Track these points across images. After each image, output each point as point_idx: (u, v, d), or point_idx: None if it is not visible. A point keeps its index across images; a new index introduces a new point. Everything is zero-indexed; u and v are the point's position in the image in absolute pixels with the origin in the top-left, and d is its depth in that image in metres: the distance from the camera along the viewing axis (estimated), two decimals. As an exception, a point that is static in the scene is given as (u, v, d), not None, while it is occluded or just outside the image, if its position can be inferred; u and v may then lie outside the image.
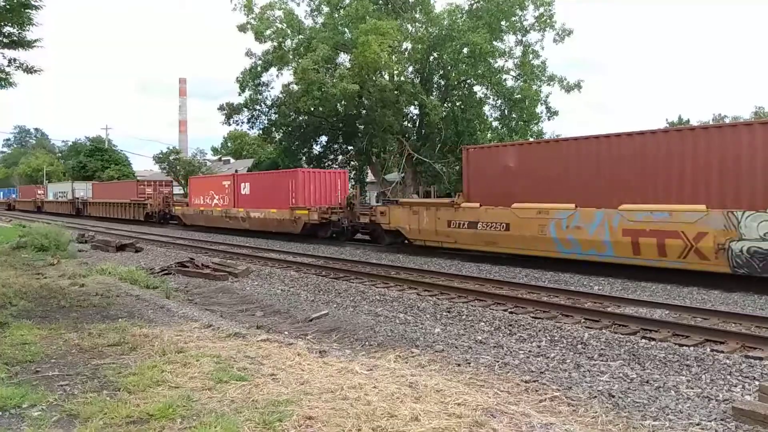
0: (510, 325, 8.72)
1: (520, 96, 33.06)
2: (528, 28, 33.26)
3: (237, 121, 38.53)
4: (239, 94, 36.93)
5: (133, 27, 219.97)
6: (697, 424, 4.79)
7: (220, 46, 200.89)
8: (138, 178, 56.82)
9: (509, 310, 9.83)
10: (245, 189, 27.45)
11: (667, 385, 5.90)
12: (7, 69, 11.25)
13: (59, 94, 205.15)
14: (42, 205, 58.46)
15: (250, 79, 36.02)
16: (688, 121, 52.12)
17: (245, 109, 37.46)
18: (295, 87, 33.71)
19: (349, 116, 35.57)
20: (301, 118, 36.91)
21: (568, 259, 14.12)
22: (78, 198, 49.88)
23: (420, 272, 14.20)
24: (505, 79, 34.21)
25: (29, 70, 11.43)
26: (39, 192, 62.13)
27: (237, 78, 36.28)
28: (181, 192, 55.96)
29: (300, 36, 33.69)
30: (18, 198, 70.33)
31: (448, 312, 9.74)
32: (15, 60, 11.21)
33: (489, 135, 35.38)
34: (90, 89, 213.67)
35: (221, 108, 37.52)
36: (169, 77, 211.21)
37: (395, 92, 32.38)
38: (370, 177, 41.39)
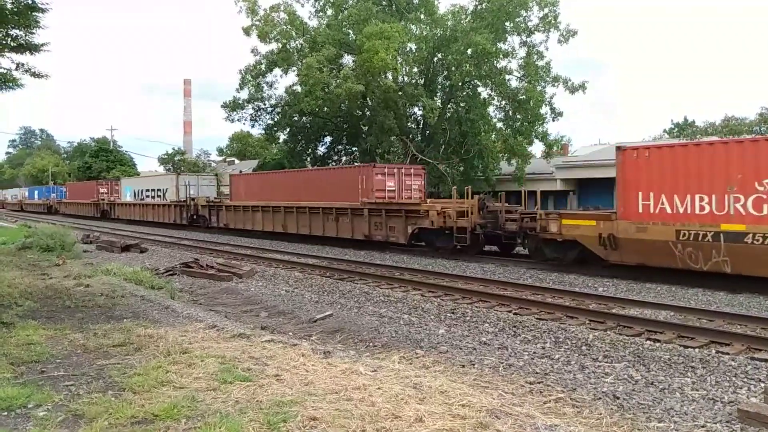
0: (514, 327, 8.71)
1: (524, 97, 33.01)
2: (532, 29, 33.22)
3: (239, 117, 38.61)
4: (238, 90, 37.09)
5: (139, 28, 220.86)
6: (702, 426, 4.77)
7: (225, 47, 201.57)
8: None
9: (513, 311, 9.82)
10: None
11: (672, 387, 5.88)
12: (15, 73, 11.34)
13: (64, 95, 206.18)
14: (111, 210, 43.14)
15: (252, 77, 36.13)
16: (693, 122, 51.98)
17: (248, 105, 37.53)
18: (299, 88, 33.82)
19: (352, 117, 35.62)
20: (304, 119, 37.01)
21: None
22: (194, 199, 32.03)
23: (424, 273, 14.20)
24: (509, 80, 34.18)
25: (37, 75, 11.50)
26: (103, 191, 45.46)
27: (239, 70, 36.43)
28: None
29: (304, 37, 33.79)
30: (65, 199, 53.64)
31: (453, 313, 9.73)
32: (23, 65, 11.29)
33: (493, 136, 35.36)
34: (95, 91, 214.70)
35: (225, 105, 37.64)
36: (174, 79, 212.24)
37: (399, 93, 32.42)
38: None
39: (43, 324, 7.71)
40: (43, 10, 10.51)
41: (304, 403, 4.67)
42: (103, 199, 44.59)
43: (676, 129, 53.62)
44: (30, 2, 10.27)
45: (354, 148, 38.65)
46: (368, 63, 28.52)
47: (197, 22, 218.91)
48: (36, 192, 64.46)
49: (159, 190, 36.83)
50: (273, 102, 37.76)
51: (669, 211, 12.25)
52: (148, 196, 38.31)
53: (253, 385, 5.17)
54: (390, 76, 32.02)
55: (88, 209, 46.74)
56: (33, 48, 11.03)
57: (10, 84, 11.58)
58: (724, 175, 11.50)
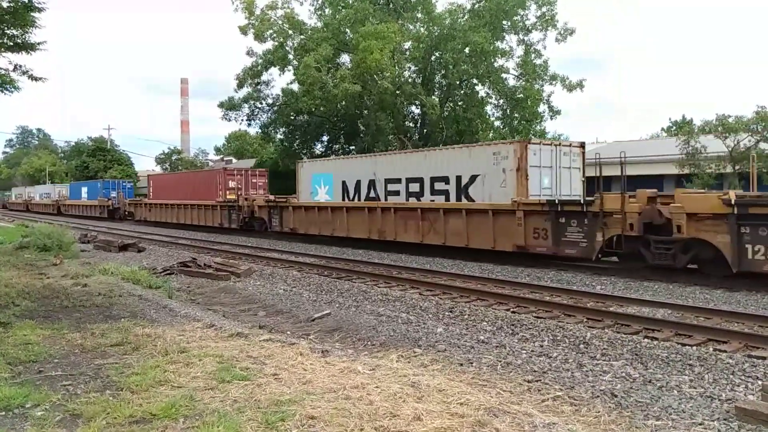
0: (512, 325, 8.71)
1: (522, 95, 33.07)
2: (530, 28, 33.28)
3: (236, 117, 38.62)
4: (235, 91, 37.09)
5: (136, 27, 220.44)
6: (700, 424, 4.78)
7: (223, 45, 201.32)
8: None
9: (511, 309, 9.82)
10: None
11: (670, 385, 5.89)
12: (12, 75, 11.30)
13: (62, 95, 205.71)
14: (274, 217, 24.43)
15: (249, 77, 36.12)
16: (691, 121, 51.94)
17: (245, 105, 37.54)
18: (296, 87, 33.82)
19: (350, 116, 35.64)
20: (301, 118, 37.01)
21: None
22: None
23: (422, 272, 14.19)
24: (506, 79, 34.24)
25: (34, 78, 11.47)
26: (235, 183, 28.86)
27: (237, 75, 36.42)
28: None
29: (301, 36, 33.77)
30: (148, 199, 36.93)
31: (451, 312, 9.74)
32: (20, 66, 11.25)
33: (491, 134, 35.41)
34: (92, 90, 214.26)
35: (221, 105, 37.64)
36: (172, 78, 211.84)
37: (396, 92, 32.42)
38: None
39: (40, 324, 7.70)
40: (39, 10, 10.47)
41: (302, 401, 4.66)
42: (247, 199, 26.18)
43: (674, 127, 53.69)
44: (26, 1, 10.23)
45: (351, 147, 38.67)
46: (363, 63, 28.57)
47: (195, 20, 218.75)
48: (85, 189, 46.73)
49: (441, 179, 18.45)
50: (270, 101, 37.78)
51: None
52: (395, 192, 20.07)
53: (252, 384, 5.17)
54: (388, 76, 32.05)
55: (208, 216, 28.48)
56: (29, 47, 10.99)
57: (8, 86, 11.53)
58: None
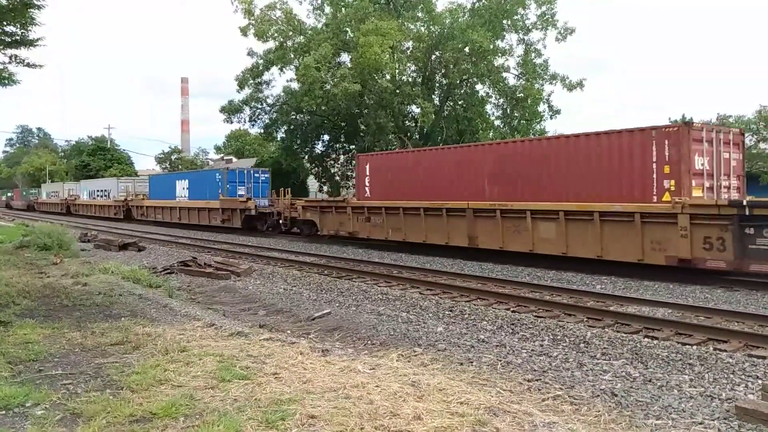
0: (512, 324, 8.71)
1: (522, 95, 33.05)
2: (530, 27, 33.27)
3: (238, 119, 38.54)
4: (238, 92, 37.06)
5: (139, 27, 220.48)
6: (700, 423, 4.78)
7: (225, 45, 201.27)
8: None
9: (512, 309, 9.82)
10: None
11: (670, 384, 5.89)
12: (8, 65, 11.31)
13: (62, 94, 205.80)
14: None
15: (251, 77, 36.07)
16: (691, 119, 51.88)
17: (246, 107, 37.49)
18: (296, 86, 33.79)
19: (350, 115, 35.61)
20: (302, 117, 36.97)
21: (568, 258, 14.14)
22: None
23: (422, 271, 14.19)
24: (506, 78, 34.24)
25: (30, 66, 11.48)
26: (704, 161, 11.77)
27: (236, 76, 36.36)
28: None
29: (301, 36, 33.74)
30: (362, 198, 20.71)
31: (451, 311, 9.74)
32: (16, 56, 11.26)
33: (491, 134, 35.41)
34: (93, 89, 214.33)
35: (223, 110, 37.60)
36: (174, 77, 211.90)
37: (396, 91, 32.40)
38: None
39: (40, 323, 7.69)
40: (39, 7, 10.47)
41: (302, 401, 4.66)
42: None
43: (674, 127, 53.54)
44: (26, -1, 10.24)
45: (352, 147, 38.67)
46: (363, 58, 28.52)
47: (196, 19, 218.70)
48: (184, 183, 31.18)
49: None
50: (270, 101, 37.74)
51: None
52: None
53: (252, 383, 5.17)
54: (387, 76, 32.00)
55: (630, 239, 12.47)
56: (28, 43, 11.01)
57: (6, 81, 11.53)
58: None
